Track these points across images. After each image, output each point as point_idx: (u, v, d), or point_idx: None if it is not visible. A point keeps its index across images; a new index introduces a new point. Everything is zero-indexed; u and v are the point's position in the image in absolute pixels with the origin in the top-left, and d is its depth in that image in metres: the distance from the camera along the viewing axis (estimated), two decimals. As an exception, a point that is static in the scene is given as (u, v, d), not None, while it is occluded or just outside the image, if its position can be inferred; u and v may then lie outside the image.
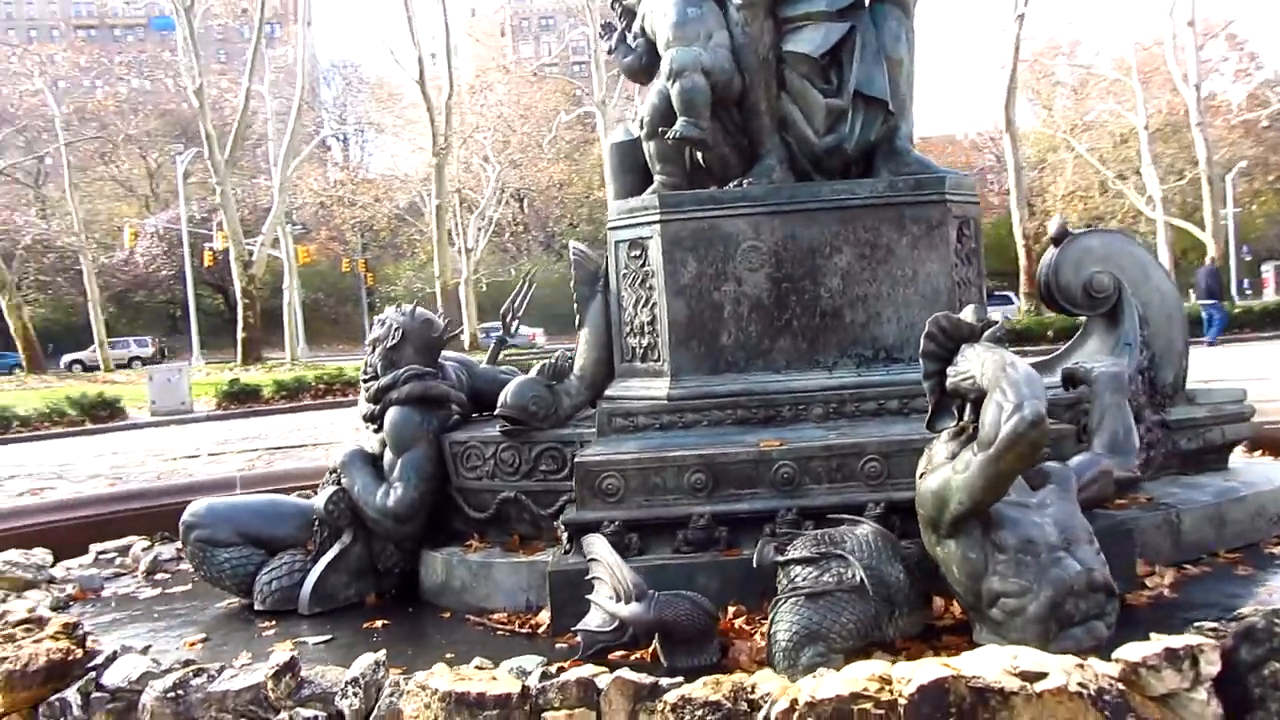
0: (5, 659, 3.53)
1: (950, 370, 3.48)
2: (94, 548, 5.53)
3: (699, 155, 4.48)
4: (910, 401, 4.06)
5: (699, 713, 2.82)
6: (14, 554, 4.90)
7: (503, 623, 3.96)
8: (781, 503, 3.85)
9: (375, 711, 3.10)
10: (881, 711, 2.69)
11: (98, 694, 3.47)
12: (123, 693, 3.46)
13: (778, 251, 4.16)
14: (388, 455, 4.41)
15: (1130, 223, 44.21)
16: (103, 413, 17.94)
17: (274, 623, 4.23)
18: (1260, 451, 6.25)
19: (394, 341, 4.51)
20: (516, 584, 4.07)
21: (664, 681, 2.97)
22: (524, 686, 3.02)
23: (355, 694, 3.20)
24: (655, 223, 4.18)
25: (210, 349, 42.61)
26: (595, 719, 2.97)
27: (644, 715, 2.92)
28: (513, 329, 5.16)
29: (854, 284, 4.18)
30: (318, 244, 55.13)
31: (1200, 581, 3.90)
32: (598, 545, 3.56)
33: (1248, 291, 42.04)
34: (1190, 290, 24.82)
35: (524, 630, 3.87)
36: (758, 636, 3.51)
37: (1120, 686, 2.78)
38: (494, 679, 3.12)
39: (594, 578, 3.51)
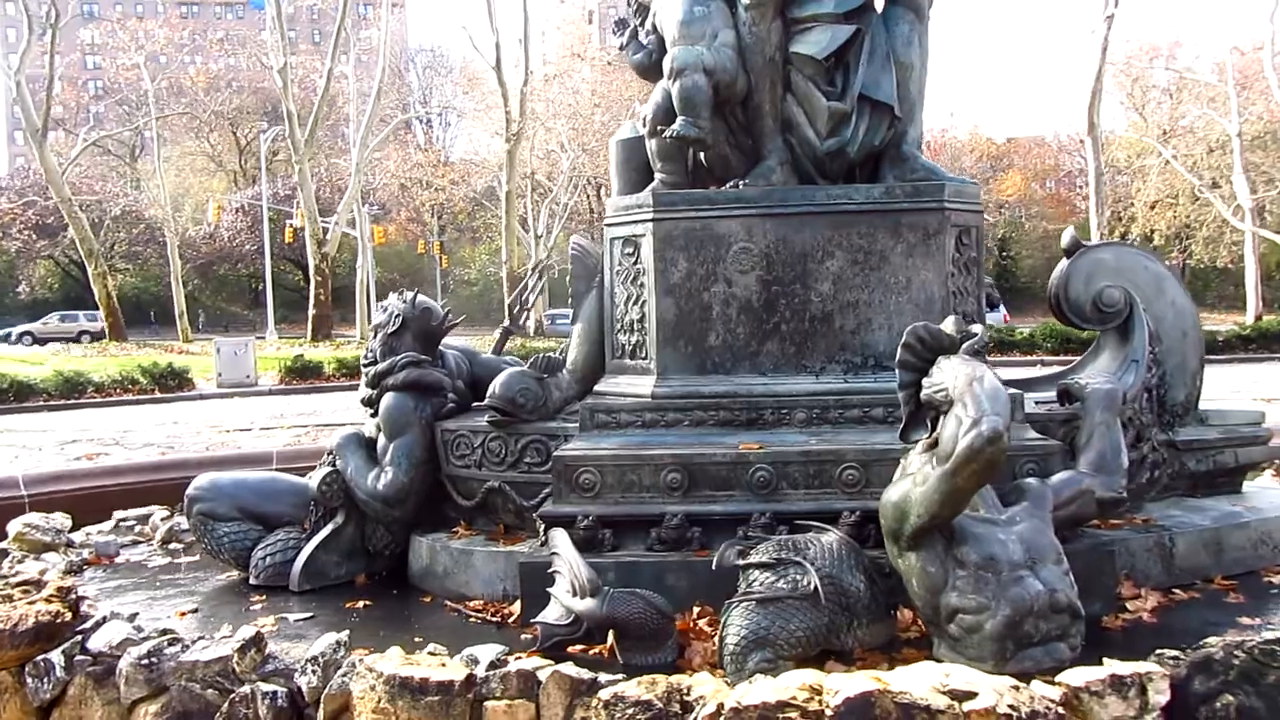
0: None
1: (925, 381, 3.44)
2: (116, 514, 5.76)
3: (701, 154, 4.47)
4: (896, 411, 3.96)
5: (630, 711, 2.85)
6: (34, 518, 5.13)
7: (477, 610, 4.03)
8: (756, 506, 3.85)
9: (327, 689, 3.19)
10: (807, 721, 2.69)
11: (80, 656, 3.63)
12: (103, 657, 3.62)
13: (769, 254, 4.14)
14: (381, 439, 4.52)
15: (1218, 233, 42.61)
16: (171, 382, 18.58)
17: (264, 597, 4.36)
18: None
19: (394, 328, 4.60)
20: (494, 572, 4.13)
21: (602, 678, 3.01)
22: (469, 675, 3.08)
23: (314, 671, 3.30)
24: (648, 221, 4.20)
25: (290, 323, 43.74)
26: (534, 711, 3.02)
27: (580, 710, 2.96)
28: (520, 320, 5.22)
29: (845, 290, 4.14)
30: (397, 225, 56.17)
31: (1185, 608, 3.79)
32: (559, 540, 3.60)
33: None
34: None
35: (495, 619, 3.94)
36: (717, 639, 3.52)
37: (1061, 711, 2.73)
38: (443, 665, 3.19)
39: (554, 571, 3.56)
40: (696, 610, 3.68)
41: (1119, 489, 3.77)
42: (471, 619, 3.97)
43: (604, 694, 2.92)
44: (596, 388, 4.42)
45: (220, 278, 56.79)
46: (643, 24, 4.70)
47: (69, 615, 3.83)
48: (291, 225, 41.10)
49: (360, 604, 4.21)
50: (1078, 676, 2.78)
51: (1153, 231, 45.89)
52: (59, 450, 11.27)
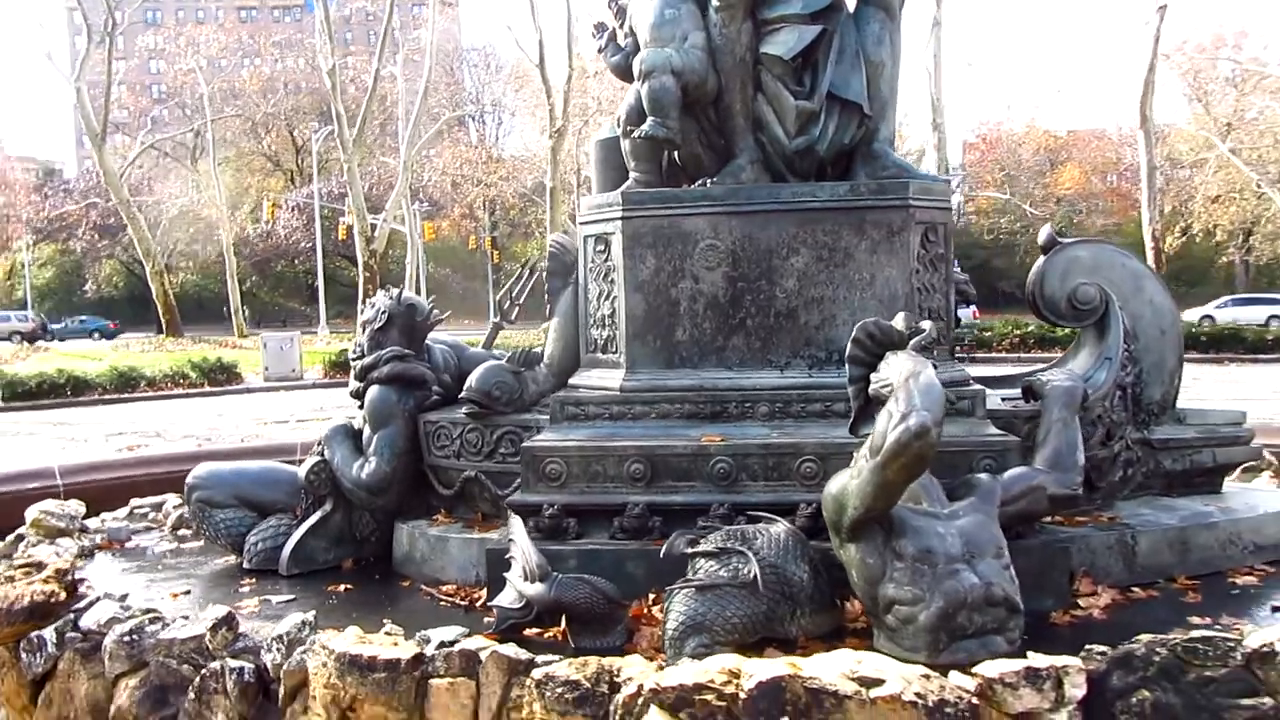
0: (-3, 596, 3.96)
1: (873, 376, 3.51)
2: (133, 502, 6.03)
3: (675, 153, 4.57)
4: (857, 405, 4.06)
5: (559, 690, 2.98)
6: (50, 504, 5.40)
7: (449, 594, 4.19)
8: (716, 497, 3.94)
9: (286, 665, 3.36)
10: (723, 704, 2.79)
11: (71, 634, 3.86)
12: (92, 634, 3.84)
13: (735, 251, 4.23)
14: (366, 431, 4.69)
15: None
16: (220, 376, 19.15)
17: (255, 580, 4.56)
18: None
19: (380, 324, 4.78)
20: (468, 559, 4.28)
21: (539, 659, 3.14)
22: (416, 654, 3.23)
23: (278, 649, 3.48)
24: (617, 219, 4.30)
25: (345, 318, 44.60)
26: (475, 688, 3.16)
27: (516, 688, 3.10)
28: (511, 315, 5.36)
29: (810, 286, 4.21)
30: (450, 221, 56.91)
31: (1139, 606, 3.80)
32: (515, 527, 3.74)
33: None
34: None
35: (464, 603, 4.09)
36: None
37: (974, 701, 2.79)
38: (395, 644, 3.35)
39: (511, 557, 3.69)
40: (652, 597, 3.78)
41: (1073, 486, 3.79)
42: (442, 603, 4.13)
43: (536, 673, 3.05)
44: (571, 381, 4.54)
45: (277, 274, 58.16)
46: (621, 26, 4.81)
47: (64, 595, 4.07)
48: (344, 223, 41.94)
49: (342, 588, 4.39)
50: (993, 668, 2.83)
51: (1215, 227, 44.75)
52: (105, 442, 11.73)
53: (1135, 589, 3.94)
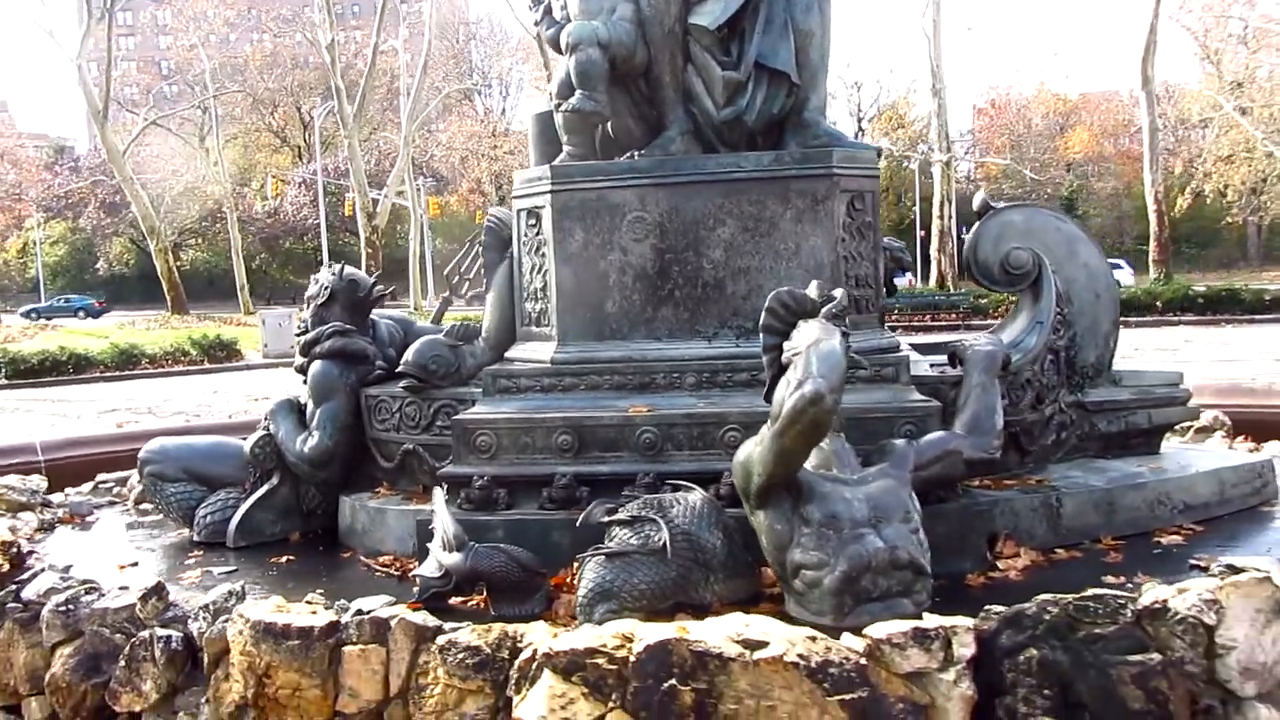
0: (-60, 569, 4.06)
1: (786, 345, 3.54)
2: (100, 476, 6.14)
3: (608, 126, 4.58)
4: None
5: (461, 655, 3.05)
6: (12, 479, 5.51)
7: (385, 565, 4.27)
8: (643, 467, 3.99)
9: (208, 633, 3.45)
10: (614, 667, 2.85)
11: (12, 604, 3.96)
12: (32, 604, 3.94)
13: (662, 223, 4.25)
14: (310, 405, 4.76)
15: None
16: (220, 353, 19.32)
17: (202, 553, 4.66)
18: (1244, 437, 5.96)
19: (323, 300, 4.84)
20: (405, 530, 4.35)
21: (447, 626, 3.22)
22: (330, 622, 3.30)
23: (205, 618, 3.56)
24: (547, 193, 4.33)
25: (351, 294, 44.57)
26: (385, 655, 3.23)
27: (424, 654, 3.17)
28: (461, 290, 5.40)
29: (736, 256, 4.23)
30: (459, 195, 56.88)
31: (1058, 568, 3.83)
32: (436, 498, 3.80)
33: None
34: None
35: (398, 573, 4.16)
36: (578, 592, 3.69)
37: (862, 662, 2.85)
38: (313, 613, 3.43)
39: (433, 528, 3.76)
40: (576, 565, 3.84)
41: (990, 450, 3.82)
42: (377, 573, 4.21)
43: (440, 640, 3.12)
44: (507, 354, 4.59)
45: (286, 251, 58.29)
46: (559, -1, 4.80)
47: (6, 567, 4.18)
48: (350, 198, 41.99)
49: (284, 559, 4.48)
50: (881, 629, 2.88)
51: (1226, 187, 44.23)
52: (97, 418, 11.89)
53: (1059, 551, 3.97)
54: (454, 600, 3.72)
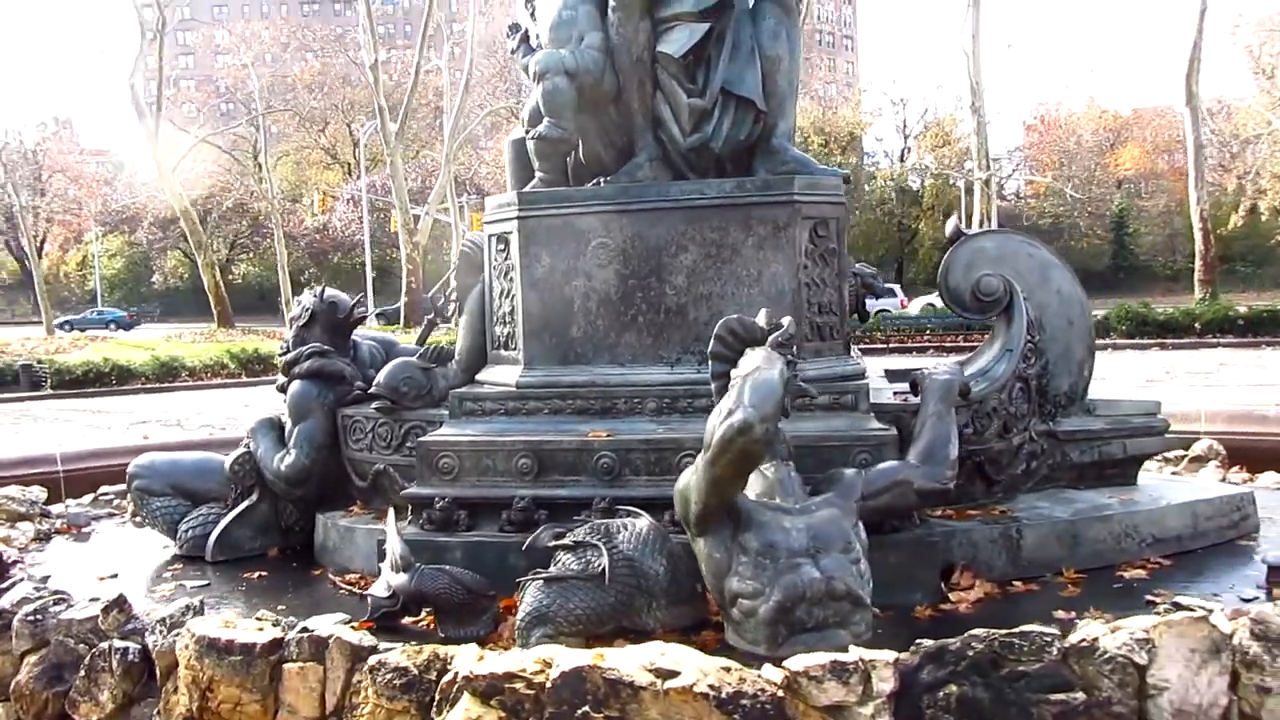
0: (-79, 578, 4.21)
1: (733, 372, 3.55)
2: (102, 488, 6.31)
3: (580, 152, 4.64)
4: (742, 400, 4.10)
5: (389, 676, 3.11)
6: (13, 489, 5.70)
7: (351, 583, 4.34)
8: (600, 491, 4.02)
9: (159, 647, 3.54)
10: (532, 692, 2.88)
11: (-14, 613, 4.09)
12: (5, 613, 4.06)
13: (626, 249, 4.29)
14: (288, 424, 4.87)
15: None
16: (257, 367, 19.67)
17: (181, 566, 4.78)
18: (1239, 467, 5.83)
19: (304, 321, 4.95)
20: (371, 548, 4.38)
21: (381, 645, 3.27)
22: (273, 639, 3.38)
23: (160, 631, 3.65)
24: (514, 218, 4.39)
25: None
26: (323, 673, 3.30)
27: (359, 674, 3.23)
28: (448, 312, 5.48)
29: (699, 282, 4.25)
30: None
31: (1012, 601, 3.79)
32: (389, 518, 3.87)
33: None
34: None
35: (359, 591, 4.23)
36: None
37: (779, 694, 2.84)
38: (260, 629, 3.50)
39: (385, 548, 3.82)
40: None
41: (943, 480, 3.78)
42: (341, 591, 4.28)
43: (371, 660, 3.18)
44: (477, 376, 4.65)
45: (334, 266, 59.25)
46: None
47: (-16, 578, 4.32)
48: (395, 216, 42.60)
49: (256, 575, 4.57)
50: (798, 661, 2.88)
51: (1280, 204, 43.18)
52: (126, 429, 12.19)
53: (1017, 583, 3.92)
54: (406, 620, 3.78)
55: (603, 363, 4.34)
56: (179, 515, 4.99)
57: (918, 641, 3.03)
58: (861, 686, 2.86)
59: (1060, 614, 3.56)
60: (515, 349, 4.47)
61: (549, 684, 2.85)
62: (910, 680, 2.91)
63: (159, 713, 3.53)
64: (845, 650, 3.09)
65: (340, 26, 62.59)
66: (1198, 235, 26.99)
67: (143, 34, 29.05)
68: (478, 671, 2.92)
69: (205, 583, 4.47)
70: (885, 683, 2.88)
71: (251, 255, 56.01)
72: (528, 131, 4.53)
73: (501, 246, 4.51)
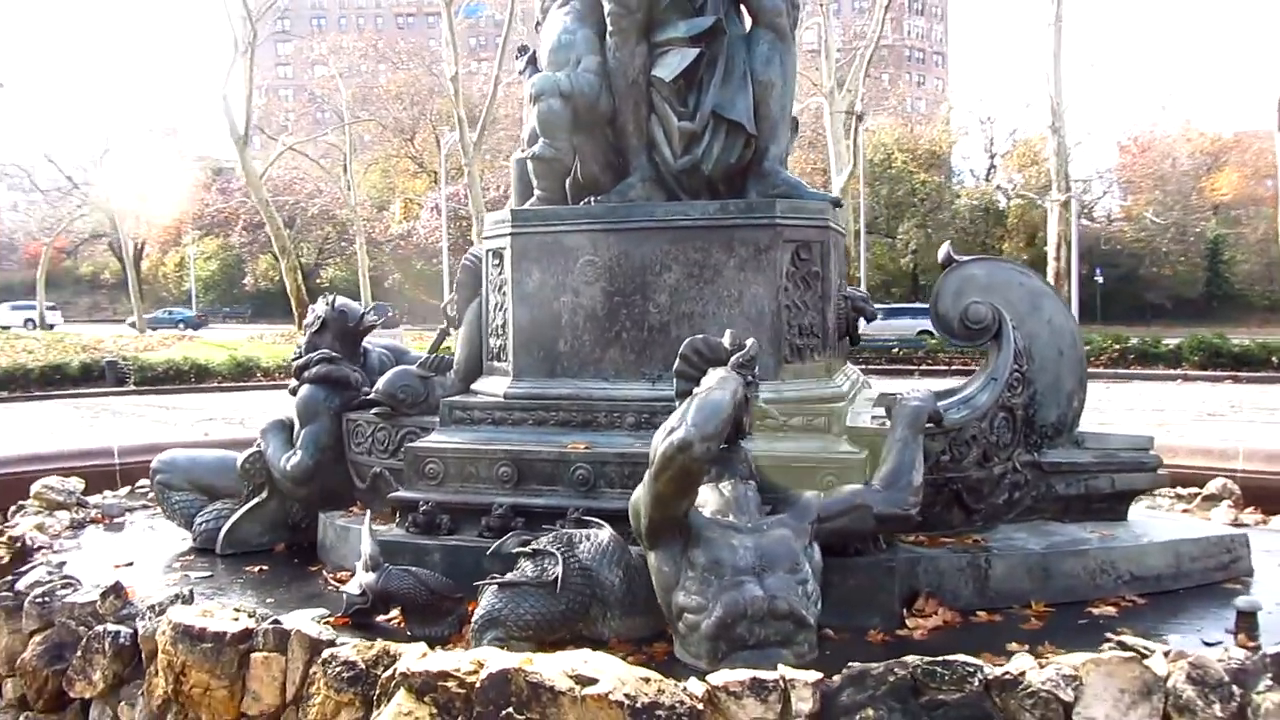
0: (-52, 559, 4.54)
1: (695, 391, 3.64)
2: (140, 481, 6.65)
3: (577, 172, 4.77)
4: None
5: (338, 669, 3.27)
6: (53, 480, 6.04)
7: (343, 580, 4.51)
8: (576, 501, 4.14)
9: (143, 632, 3.77)
10: (463, 691, 3.01)
11: (4, 593, 4.38)
12: (20, 595, 4.36)
13: (612, 267, 4.41)
14: (296, 425, 5.09)
15: None
16: (328, 367, 20.24)
17: (192, 557, 5.04)
18: (1254, 507, 5.66)
19: (316, 328, 5.18)
20: (364, 548, 4.60)
21: (339, 639, 3.43)
22: (244, 629, 3.57)
23: (150, 617, 3.88)
24: (508, 235, 4.55)
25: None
26: (284, 663, 3.47)
27: (316, 665, 3.39)
28: (459, 321, 5.66)
29: (681, 301, 4.35)
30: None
31: (970, 630, 3.77)
32: (365, 520, 4.04)
33: None
34: None
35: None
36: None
37: (699, 707, 2.92)
38: (235, 619, 3.70)
39: (360, 548, 3.99)
40: (480, 593, 4.01)
41: (905, 506, 3.78)
42: (329, 587, 4.47)
43: (325, 653, 3.34)
44: (472, 386, 4.81)
45: (417, 272, 60.56)
46: (545, 49, 5.04)
47: (5, 558, 4.63)
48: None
49: (257, 569, 4.80)
50: (720, 677, 2.94)
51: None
52: (191, 426, 12.73)
53: (980, 614, 3.91)
54: (380, 618, 3.95)
55: (588, 377, 4.46)
56: (195, 509, 5.26)
57: (849, 664, 3.07)
58: (780, 705, 2.92)
59: (1014, 646, 3.54)
60: (506, 360, 4.62)
61: (478, 684, 2.98)
62: (830, 702, 2.95)
63: (143, 693, 3.75)
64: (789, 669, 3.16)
65: (431, 38, 64.01)
66: (1289, 264, 25.90)
67: (235, 47, 30.29)
68: (414, 669, 3.06)
69: (209, 574, 4.72)
70: (804, 703, 2.93)
71: (338, 260, 57.62)
72: (522, 151, 4.68)
73: (497, 261, 4.67)
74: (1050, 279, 28.33)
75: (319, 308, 5.24)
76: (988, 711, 2.90)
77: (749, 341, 3.70)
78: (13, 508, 5.81)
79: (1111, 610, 3.95)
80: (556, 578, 3.55)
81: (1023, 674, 2.95)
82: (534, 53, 5.04)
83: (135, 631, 3.90)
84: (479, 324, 4.87)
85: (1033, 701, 2.89)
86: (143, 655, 3.81)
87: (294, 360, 5.28)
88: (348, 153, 42.25)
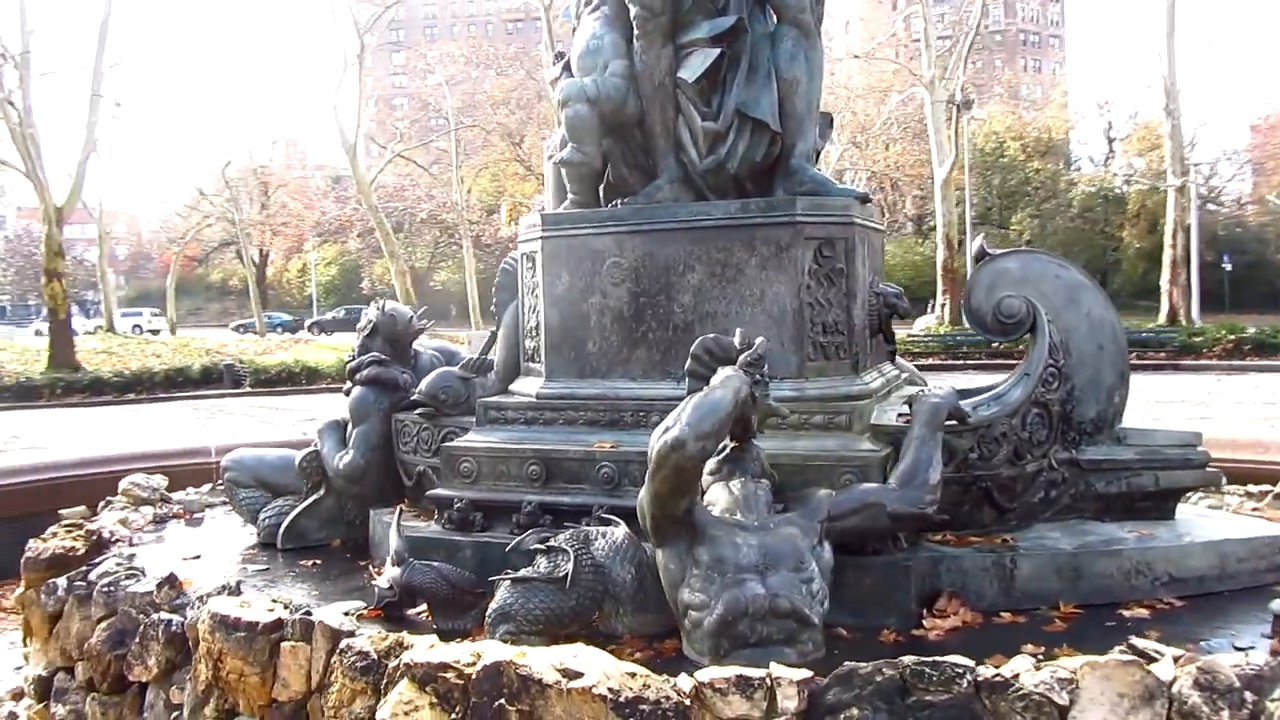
0: (32, 549, 4.91)
1: (706, 390, 3.68)
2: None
3: (609, 174, 4.85)
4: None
5: (353, 659, 3.43)
6: (139, 477, 6.45)
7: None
8: (601, 499, 4.22)
9: (188, 621, 4.02)
10: (461, 681, 3.14)
11: (78, 583, 4.72)
12: (90, 584, 4.69)
13: (637, 268, 4.47)
14: (349, 426, 5.32)
15: None
16: (428, 369, 20.87)
17: (254, 551, 5.31)
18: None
19: (367, 331, 5.40)
20: (409, 544, 4.78)
21: (359, 631, 3.60)
22: (276, 619, 3.78)
23: (199, 607, 4.14)
24: (539, 238, 4.66)
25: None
26: (309, 652, 3.66)
27: (336, 655, 3.57)
28: (499, 324, 5.81)
29: (705, 301, 4.38)
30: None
31: (989, 631, 3.69)
32: (395, 516, 4.21)
33: None
34: None
35: (387, 582, 4.59)
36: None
37: (685, 702, 2.97)
38: (269, 610, 3.91)
39: (390, 543, 4.16)
40: (498, 587, 4.12)
41: (920, 504, 3.73)
42: (374, 582, 4.66)
43: (343, 643, 3.51)
44: (510, 387, 4.94)
45: (524, 274, 61.68)
46: (581, 55, 5.13)
47: (82, 550, 4.98)
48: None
49: (312, 563, 5.03)
50: (706, 673, 2.98)
51: None
52: (292, 426, 13.32)
53: (1004, 615, 3.83)
54: (411, 612, 4.11)
55: (616, 377, 4.53)
56: (260, 506, 5.55)
57: (844, 664, 3.06)
58: (766, 703, 2.93)
59: (1030, 648, 3.46)
60: (539, 361, 4.73)
61: (474, 675, 3.09)
62: (816, 701, 2.95)
63: (190, 678, 4.00)
64: (796, 668, 3.17)
65: (538, 42, 65.09)
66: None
67: (344, 59, 31.45)
68: (418, 660, 3.19)
69: (266, 567, 4.97)
70: (790, 701, 2.94)
71: (450, 263, 59.11)
72: (550, 156, 4.78)
73: (529, 265, 4.78)
74: (1166, 267, 27.08)
75: (370, 312, 5.46)
76: (977, 714, 2.85)
77: (758, 340, 3.71)
78: (101, 503, 6.21)
79: (1145, 613, 3.81)
80: (566, 574, 3.63)
81: (1015, 676, 2.89)
82: (569, 58, 5.13)
83: (184, 620, 4.16)
84: (516, 326, 4.99)
85: (1024, 704, 2.83)
86: (189, 643, 4.06)
87: (347, 363, 5.51)
88: (453, 157, 43.30)
